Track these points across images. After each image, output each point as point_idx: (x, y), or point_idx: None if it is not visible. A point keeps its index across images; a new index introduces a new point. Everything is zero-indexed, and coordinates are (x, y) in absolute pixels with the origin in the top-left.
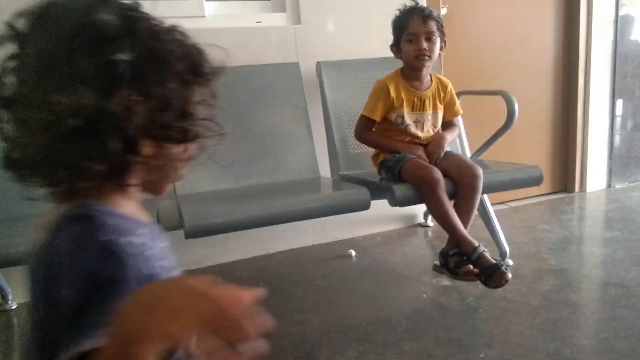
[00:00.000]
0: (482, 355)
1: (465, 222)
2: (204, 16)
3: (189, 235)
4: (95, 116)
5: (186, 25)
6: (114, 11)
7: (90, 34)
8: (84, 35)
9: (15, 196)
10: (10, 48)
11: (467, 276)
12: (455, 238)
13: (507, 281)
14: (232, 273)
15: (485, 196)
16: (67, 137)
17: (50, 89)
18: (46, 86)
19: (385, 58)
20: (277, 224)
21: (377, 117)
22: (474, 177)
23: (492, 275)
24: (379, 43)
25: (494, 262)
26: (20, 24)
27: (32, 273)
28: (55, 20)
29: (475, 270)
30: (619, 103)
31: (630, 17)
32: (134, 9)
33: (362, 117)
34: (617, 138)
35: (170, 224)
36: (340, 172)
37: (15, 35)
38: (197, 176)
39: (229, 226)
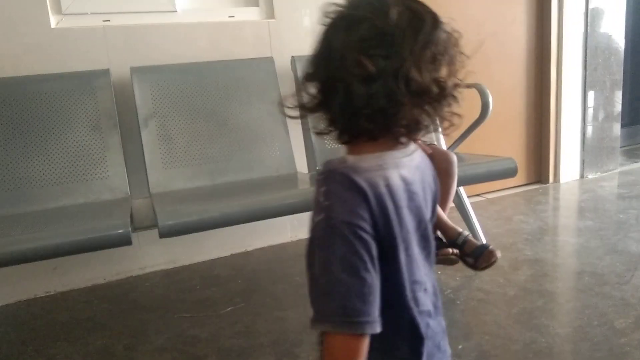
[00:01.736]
0: (460, 346)
1: (442, 209)
2: (175, 11)
3: (163, 234)
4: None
5: (158, 20)
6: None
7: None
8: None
9: None
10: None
11: (446, 258)
12: (439, 226)
13: (497, 259)
14: (210, 271)
15: (462, 188)
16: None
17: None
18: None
19: None
20: (253, 221)
21: None
22: (448, 161)
23: (481, 254)
24: None
25: (480, 243)
26: (391, 26)
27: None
28: (416, 32)
29: (454, 251)
30: (591, 94)
31: (600, 10)
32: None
33: None
34: (589, 129)
35: (144, 223)
36: (317, 167)
37: (385, 34)
38: (171, 174)
39: (204, 224)
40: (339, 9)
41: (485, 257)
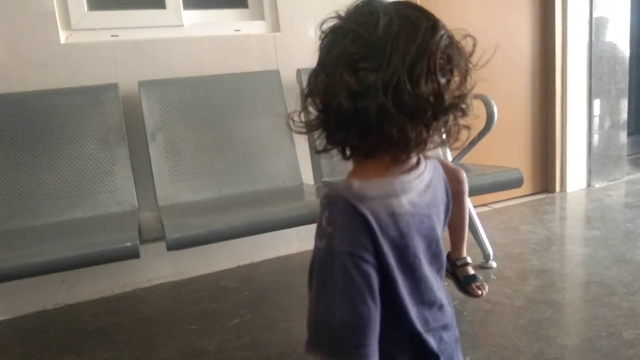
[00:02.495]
0: (468, 358)
1: (461, 227)
2: (183, 25)
3: (171, 247)
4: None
5: (165, 34)
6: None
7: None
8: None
9: None
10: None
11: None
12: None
13: (479, 296)
14: (217, 283)
15: (468, 198)
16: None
17: (417, 82)
18: (415, 80)
19: None
20: (260, 233)
21: None
22: (458, 181)
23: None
24: None
25: (473, 273)
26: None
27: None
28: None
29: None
30: (596, 103)
31: (604, 18)
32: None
33: None
34: (596, 138)
35: (152, 236)
36: (323, 179)
37: (373, 45)
38: (178, 186)
39: (211, 237)
40: (332, 22)
41: (471, 289)
